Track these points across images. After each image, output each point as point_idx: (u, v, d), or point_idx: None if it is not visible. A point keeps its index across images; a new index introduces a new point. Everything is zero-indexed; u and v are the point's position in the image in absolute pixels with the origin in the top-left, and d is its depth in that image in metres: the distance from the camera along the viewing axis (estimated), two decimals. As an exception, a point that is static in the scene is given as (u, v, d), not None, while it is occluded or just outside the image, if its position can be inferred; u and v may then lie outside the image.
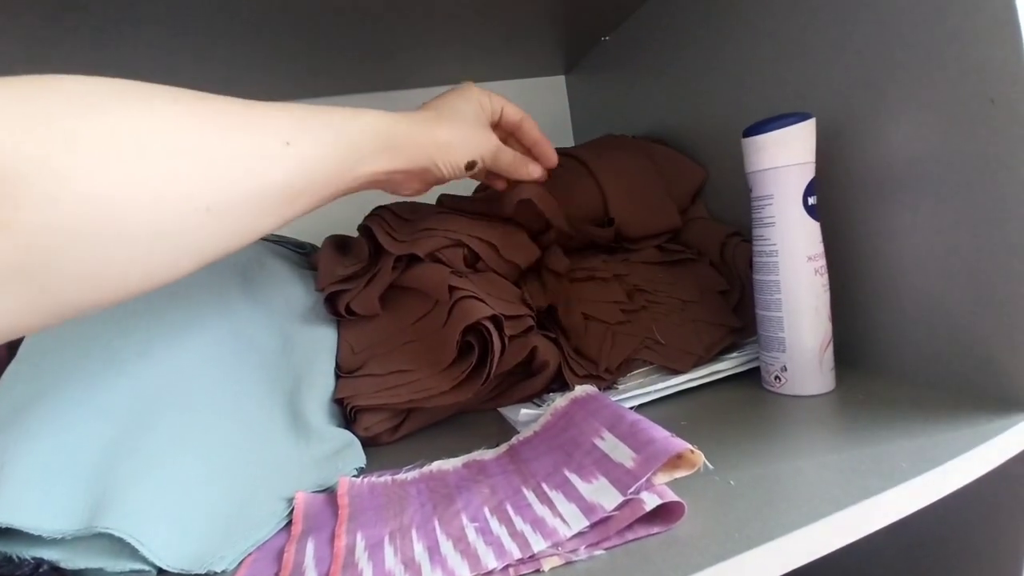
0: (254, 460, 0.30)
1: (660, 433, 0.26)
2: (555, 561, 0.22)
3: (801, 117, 0.33)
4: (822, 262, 0.34)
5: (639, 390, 0.38)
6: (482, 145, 0.35)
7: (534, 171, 0.38)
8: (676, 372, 0.39)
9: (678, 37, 0.51)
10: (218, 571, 0.25)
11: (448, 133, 0.32)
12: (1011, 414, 0.28)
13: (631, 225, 0.46)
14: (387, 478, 0.31)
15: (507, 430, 0.37)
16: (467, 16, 0.51)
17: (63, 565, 0.25)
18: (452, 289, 0.36)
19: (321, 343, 0.39)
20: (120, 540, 0.25)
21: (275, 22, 0.45)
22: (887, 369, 0.36)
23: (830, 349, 0.35)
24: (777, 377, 0.36)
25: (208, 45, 0.48)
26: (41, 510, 0.25)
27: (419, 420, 0.39)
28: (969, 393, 0.31)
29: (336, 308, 0.39)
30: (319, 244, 0.55)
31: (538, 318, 0.40)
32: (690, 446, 0.25)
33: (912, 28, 0.31)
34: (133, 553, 0.25)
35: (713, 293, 0.43)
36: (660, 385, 0.38)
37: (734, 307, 0.43)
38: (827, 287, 0.35)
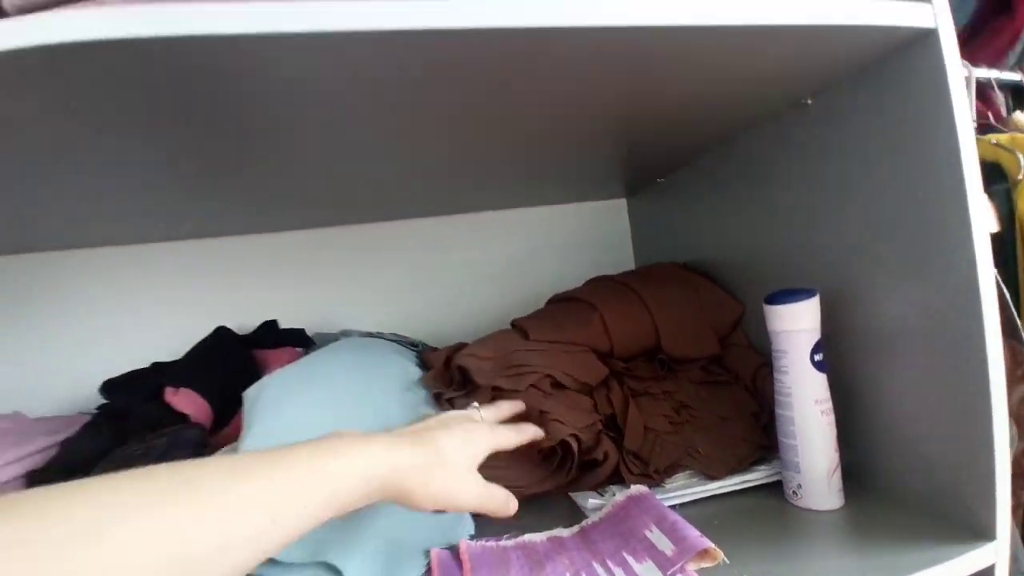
0: (404, 518, 0.44)
1: (693, 532, 0.37)
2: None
3: (808, 294, 0.45)
4: (828, 405, 0.45)
5: (682, 491, 0.48)
6: (463, 498, 0.36)
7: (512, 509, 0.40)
8: (713, 478, 0.49)
9: (716, 191, 0.64)
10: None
11: (437, 484, 0.34)
12: (969, 541, 0.37)
13: (678, 350, 0.58)
14: (492, 543, 0.43)
15: (575, 512, 0.48)
16: (533, 156, 0.58)
17: (288, 583, 0.39)
18: (542, 413, 0.49)
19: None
20: (330, 567, 0.38)
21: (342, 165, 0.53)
22: (885, 491, 0.45)
23: (838, 473, 0.45)
24: (794, 492, 0.45)
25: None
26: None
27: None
28: (941, 518, 0.40)
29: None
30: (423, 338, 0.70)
31: (604, 422, 0.52)
32: (712, 545, 0.35)
33: (897, 215, 0.41)
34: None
35: (747, 413, 0.54)
36: (699, 489, 0.48)
37: (763, 427, 0.53)
38: (833, 424, 0.45)
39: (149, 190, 0.53)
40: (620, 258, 0.88)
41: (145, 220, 0.65)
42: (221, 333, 0.73)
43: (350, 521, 0.41)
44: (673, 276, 0.64)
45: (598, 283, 0.66)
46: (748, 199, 0.59)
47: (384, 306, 0.83)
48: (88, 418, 0.61)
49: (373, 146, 0.48)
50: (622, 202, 0.92)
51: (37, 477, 0.54)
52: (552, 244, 0.89)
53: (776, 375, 0.46)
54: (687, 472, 0.51)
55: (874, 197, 0.43)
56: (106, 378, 0.64)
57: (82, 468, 0.52)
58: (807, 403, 0.44)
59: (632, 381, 0.55)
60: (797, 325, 0.44)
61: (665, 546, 0.37)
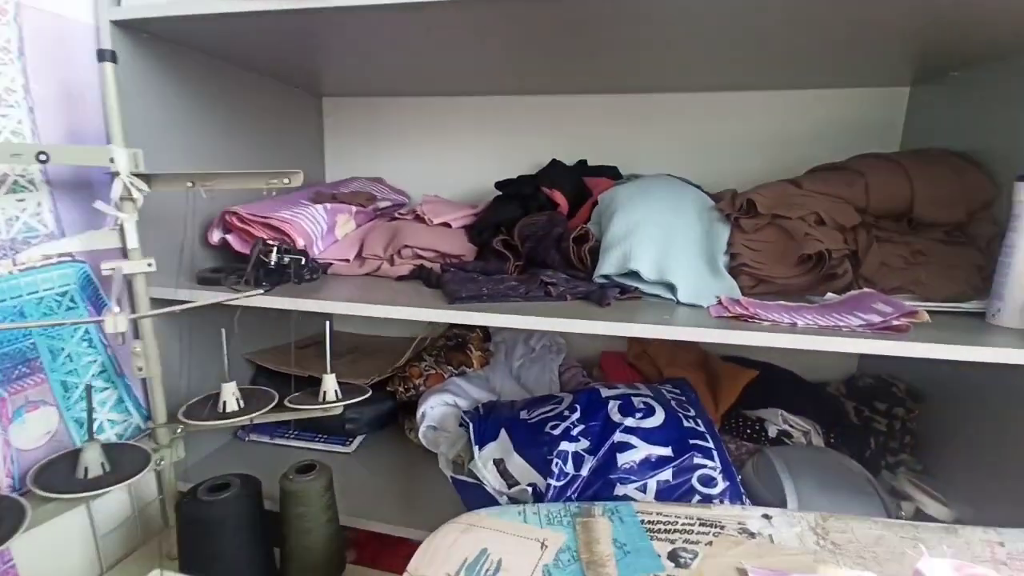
0: (706, 269, 0.74)
1: (909, 306, 0.59)
2: (844, 332, 0.59)
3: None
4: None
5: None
6: None
7: None
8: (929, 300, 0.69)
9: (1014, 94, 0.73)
10: (703, 305, 0.68)
11: None
12: None
13: (928, 214, 0.74)
14: (757, 300, 0.70)
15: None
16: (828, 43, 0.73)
17: (642, 291, 0.72)
18: (806, 234, 0.72)
19: (723, 235, 0.79)
20: (667, 284, 0.70)
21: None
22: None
23: (1037, 308, 0.61)
24: (993, 315, 0.64)
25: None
26: (646, 266, 0.71)
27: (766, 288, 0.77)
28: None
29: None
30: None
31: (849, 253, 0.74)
32: (924, 312, 0.58)
33: None
34: (670, 291, 0.71)
35: (972, 265, 0.70)
36: (916, 304, 0.69)
37: (983, 279, 0.69)
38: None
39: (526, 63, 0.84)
40: (885, 148, 0.95)
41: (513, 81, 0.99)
42: (557, 163, 1.08)
43: (681, 262, 0.72)
44: (944, 158, 0.77)
45: (867, 157, 0.82)
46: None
47: (665, 163, 1.08)
48: (475, 203, 1.03)
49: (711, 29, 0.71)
50: (904, 91, 0.95)
51: (476, 227, 0.96)
52: (816, 127, 0.99)
53: (1008, 233, 0.62)
54: (910, 295, 0.71)
55: None
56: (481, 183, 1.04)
57: (504, 225, 0.91)
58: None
59: (878, 231, 0.75)
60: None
61: (886, 311, 0.60)
